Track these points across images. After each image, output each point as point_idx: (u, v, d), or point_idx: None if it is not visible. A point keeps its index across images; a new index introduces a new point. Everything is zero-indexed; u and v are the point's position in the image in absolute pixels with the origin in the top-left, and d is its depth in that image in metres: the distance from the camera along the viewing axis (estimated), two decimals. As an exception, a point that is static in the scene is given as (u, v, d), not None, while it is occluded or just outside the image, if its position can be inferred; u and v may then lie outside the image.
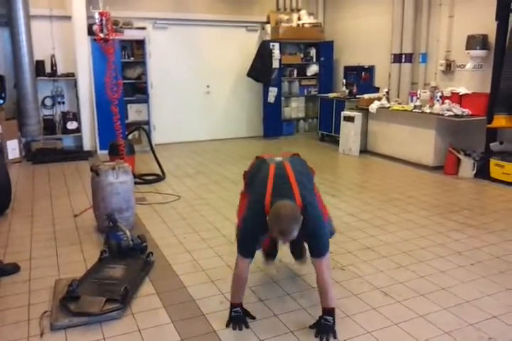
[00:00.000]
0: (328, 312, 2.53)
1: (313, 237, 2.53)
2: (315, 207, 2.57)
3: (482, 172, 5.86)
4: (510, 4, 5.58)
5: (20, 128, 7.07)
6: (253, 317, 2.68)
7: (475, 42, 6.10)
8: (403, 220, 4.38)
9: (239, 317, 2.62)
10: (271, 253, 3.27)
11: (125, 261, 3.36)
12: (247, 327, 2.59)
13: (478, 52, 6.10)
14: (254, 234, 2.57)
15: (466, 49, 6.19)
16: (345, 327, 2.61)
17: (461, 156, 6.05)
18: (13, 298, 2.94)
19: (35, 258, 3.56)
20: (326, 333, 2.48)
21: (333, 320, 2.52)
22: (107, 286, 2.97)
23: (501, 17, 5.65)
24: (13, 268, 3.32)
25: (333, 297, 2.57)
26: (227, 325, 2.61)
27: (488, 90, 5.96)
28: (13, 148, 6.89)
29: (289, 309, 2.81)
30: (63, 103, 7.82)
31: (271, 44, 8.61)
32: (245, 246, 2.58)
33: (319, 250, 2.53)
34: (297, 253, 3.28)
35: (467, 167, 5.98)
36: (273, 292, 3.02)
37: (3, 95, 6.82)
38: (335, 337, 2.47)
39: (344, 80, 8.57)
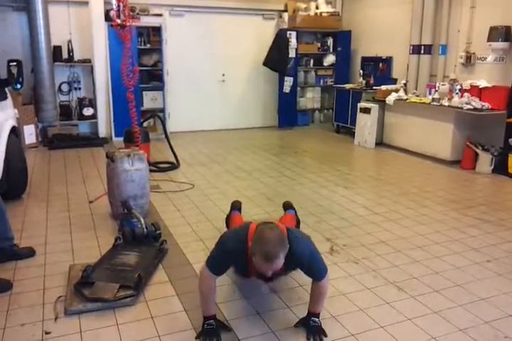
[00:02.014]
0: (315, 315, 2.52)
1: (308, 266, 2.42)
2: (301, 237, 2.49)
3: (500, 167, 5.77)
4: (536, -5, 5.43)
5: (37, 114, 7.07)
6: (229, 329, 2.51)
7: (497, 33, 5.96)
8: (419, 214, 4.34)
9: (211, 330, 2.43)
10: None
11: (139, 248, 3.38)
12: (219, 340, 2.41)
13: (501, 45, 5.95)
14: (229, 258, 2.42)
15: (488, 41, 6.05)
16: (359, 321, 2.60)
17: (479, 151, 5.95)
18: (28, 282, 2.98)
19: (50, 243, 3.59)
20: (317, 333, 2.46)
21: (319, 320, 2.51)
22: (121, 273, 2.99)
23: (526, 8, 5.51)
24: (29, 252, 3.35)
25: (323, 304, 2.55)
26: (197, 337, 2.43)
27: (509, 84, 5.83)
28: (29, 133, 6.95)
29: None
30: (79, 89, 7.84)
31: (288, 33, 8.51)
32: (217, 266, 2.42)
33: (318, 275, 2.44)
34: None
35: (485, 162, 5.89)
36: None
37: (20, 80, 6.81)
38: (326, 336, 2.46)
39: (361, 71, 8.45)
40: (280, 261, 2.19)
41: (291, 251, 2.25)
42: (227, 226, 3.63)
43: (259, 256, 2.17)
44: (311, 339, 2.44)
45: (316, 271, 2.44)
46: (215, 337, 2.41)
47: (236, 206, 3.76)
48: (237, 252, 2.37)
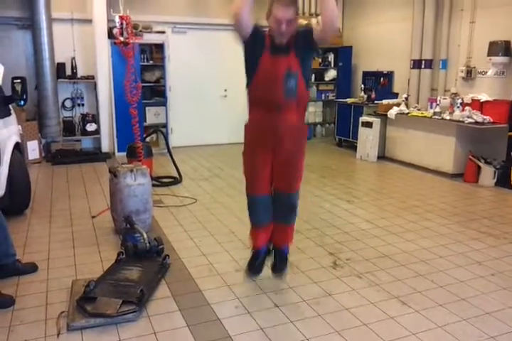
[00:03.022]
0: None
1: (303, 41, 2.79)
2: None
3: (503, 180, 5.76)
4: (534, 10, 5.50)
5: (41, 130, 7.17)
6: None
7: (497, 48, 6.01)
8: (422, 228, 4.32)
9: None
10: (259, 263, 3.21)
11: (141, 263, 3.37)
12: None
13: (501, 59, 6.01)
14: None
15: (488, 55, 6.11)
16: (362, 336, 2.58)
17: (482, 164, 5.95)
18: (30, 298, 2.97)
19: (52, 258, 3.59)
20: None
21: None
22: (124, 288, 2.97)
23: (525, 23, 5.57)
24: (31, 268, 3.34)
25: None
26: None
27: (510, 97, 5.87)
28: (33, 149, 6.99)
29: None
30: (83, 105, 7.91)
31: (289, 48, 8.59)
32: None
33: (311, 28, 2.84)
34: (277, 263, 3.22)
35: (487, 175, 5.89)
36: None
37: (24, 97, 6.90)
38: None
39: (362, 85, 8.52)
40: (292, 11, 2.67)
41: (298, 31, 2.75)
42: None
43: (276, 5, 2.67)
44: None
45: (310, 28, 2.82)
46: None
47: None
48: (261, 30, 2.86)
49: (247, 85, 2.97)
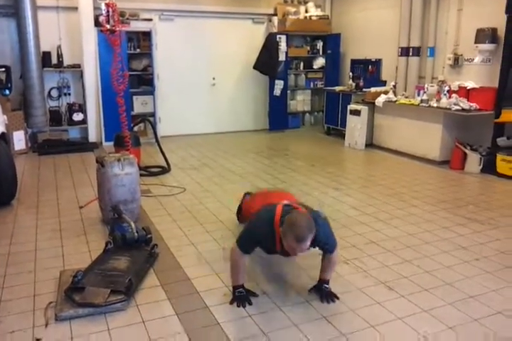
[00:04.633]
0: (326, 281, 2.88)
1: (326, 242, 2.74)
2: (323, 220, 2.78)
3: (488, 167, 5.82)
4: (520, -3, 5.50)
5: (27, 120, 7.08)
6: (256, 295, 2.85)
7: (484, 35, 6.03)
8: (408, 215, 4.37)
9: (242, 296, 2.80)
10: None
11: (130, 252, 3.37)
12: (251, 304, 2.77)
13: (487, 46, 6.03)
14: (258, 240, 2.75)
15: (475, 43, 6.13)
16: (349, 321, 2.62)
17: (468, 151, 6.01)
18: (18, 289, 2.96)
19: (40, 249, 3.58)
20: (329, 297, 2.82)
21: (329, 286, 2.89)
22: (112, 278, 2.98)
23: (511, 10, 5.57)
24: None
25: (333, 272, 2.94)
26: (231, 303, 2.77)
27: (496, 84, 5.90)
28: (19, 139, 6.91)
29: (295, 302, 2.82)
30: (69, 94, 7.82)
31: (277, 36, 8.55)
32: (247, 246, 2.77)
33: (331, 249, 2.80)
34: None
35: (474, 162, 5.94)
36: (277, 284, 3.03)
37: (9, 86, 6.81)
38: (338, 298, 2.83)
39: (351, 73, 8.50)
40: (308, 243, 2.50)
41: (317, 234, 2.55)
42: (239, 216, 4.01)
43: (290, 238, 2.47)
44: (324, 302, 2.79)
45: (331, 246, 2.80)
46: (246, 301, 2.78)
47: (247, 194, 4.02)
48: (265, 234, 2.68)
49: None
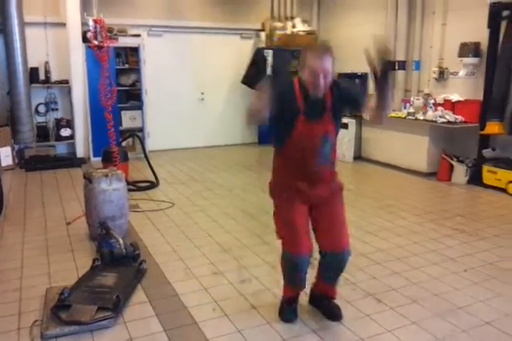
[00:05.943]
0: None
1: (349, 91, 2.66)
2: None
3: (475, 178, 5.89)
4: (501, 12, 5.63)
5: (14, 135, 7.04)
6: None
7: (467, 49, 6.15)
8: (397, 226, 4.39)
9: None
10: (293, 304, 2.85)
11: (117, 269, 3.33)
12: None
13: (471, 60, 6.14)
14: (277, 93, 2.43)
15: (459, 56, 6.24)
16: (338, 334, 2.61)
17: (454, 163, 6.08)
18: (3, 307, 2.91)
19: (26, 266, 3.53)
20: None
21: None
22: (99, 294, 2.94)
23: (493, 25, 5.70)
24: None
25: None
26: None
27: (480, 97, 5.99)
28: (5, 155, 6.85)
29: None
30: (57, 110, 7.79)
31: (265, 51, 8.64)
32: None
33: (362, 100, 2.65)
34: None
35: (460, 173, 6.01)
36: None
37: (-4, 102, 6.81)
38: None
39: (338, 87, 8.57)
40: (329, 62, 2.39)
41: (336, 82, 2.51)
42: None
43: (310, 57, 2.38)
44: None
45: (360, 95, 2.70)
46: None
47: None
48: (283, 86, 2.58)
49: (277, 145, 2.77)
